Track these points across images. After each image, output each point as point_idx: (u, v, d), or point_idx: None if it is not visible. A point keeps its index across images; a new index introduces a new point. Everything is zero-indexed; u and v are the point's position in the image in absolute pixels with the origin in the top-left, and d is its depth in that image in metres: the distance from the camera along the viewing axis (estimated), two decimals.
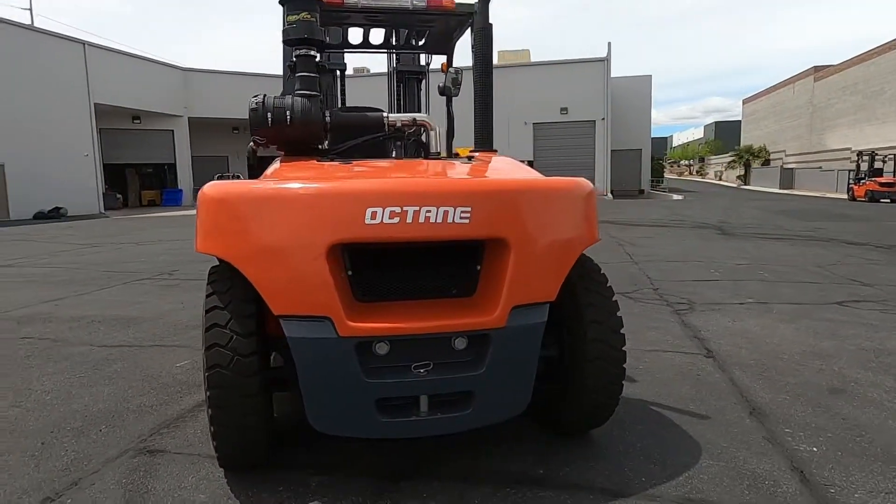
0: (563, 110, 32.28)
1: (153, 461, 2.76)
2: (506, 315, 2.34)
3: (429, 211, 2.23)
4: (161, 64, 30.50)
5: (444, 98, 3.77)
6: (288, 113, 2.78)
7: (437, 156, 3.12)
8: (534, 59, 34.95)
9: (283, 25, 2.84)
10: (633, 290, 6.75)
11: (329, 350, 2.23)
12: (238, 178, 2.84)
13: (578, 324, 2.65)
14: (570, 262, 2.47)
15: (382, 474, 2.60)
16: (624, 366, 2.71)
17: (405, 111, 5.19)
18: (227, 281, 2.42)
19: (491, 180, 2.53)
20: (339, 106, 4.93)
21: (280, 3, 2.79)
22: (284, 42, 2.84)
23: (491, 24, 3.25)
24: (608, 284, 2.76)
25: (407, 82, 5.20)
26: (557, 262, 2.45)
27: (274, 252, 2.24)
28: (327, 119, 2.91)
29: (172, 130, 31.24)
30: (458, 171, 2.90)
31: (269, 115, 2.76)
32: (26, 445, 2.96)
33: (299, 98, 2.81)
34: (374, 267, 2.52)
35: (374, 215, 2.20)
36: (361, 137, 3.04)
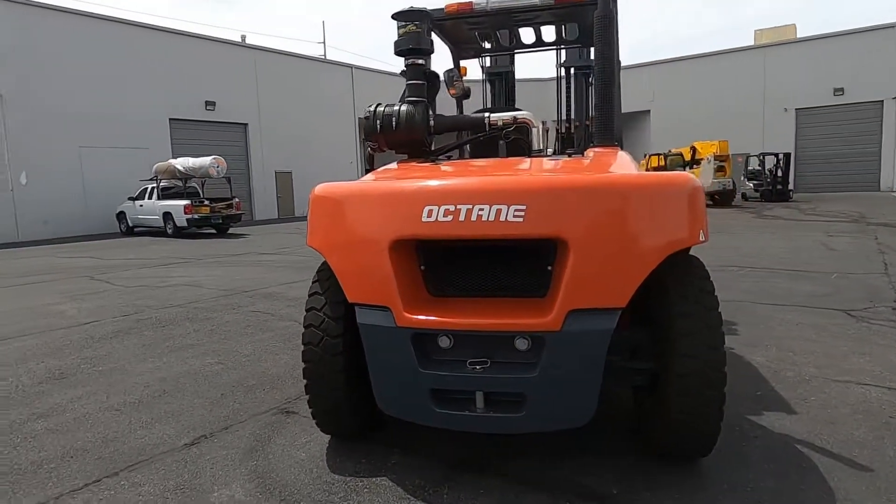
0: (838, 91, 27.22)
1: (284, 420, 3.27)
2: (561, 319, 2.23)
3: (482, 209, 2.25)
4: None
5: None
6: (394, 119, 3.02)
7: (539, 153, 3.05)
8: (800, 34, 30.07)
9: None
10: (865, 307, 5.50)
11: (388, 338, 2.41)
12: None
13: (669, 335, 2.37)
14: (647, 266, 2.23)
15: (453, 463, 2.68)
16: (724, 389, 2.34)
17: (574, 107, 5.10)
18: (328, 271, 2.75)
19: (549, 178, 2.40)
20: (504, 107, 5.07)
21: (392, 17, 3.04)
22: (395, 53, 3.09)
23: (612, 11, 3.03)
24: (712, 293, 2.41)
25: (575, 78, 5.10)
26: (630, 266, 2.23)
27: (349, 245, 2.50)
28: (431, 123, 3.08)
29: None
30: (535, 168, 2.80)
31: (378, 122, 3.04)
32: (211, 394, 3.76)
33: (405, 105, 3.04)
34: (450, 264, 2.61)
35: (430, 213, 2.30)
36: (463, 139, 3.14)
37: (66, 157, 19.92)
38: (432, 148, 3.23)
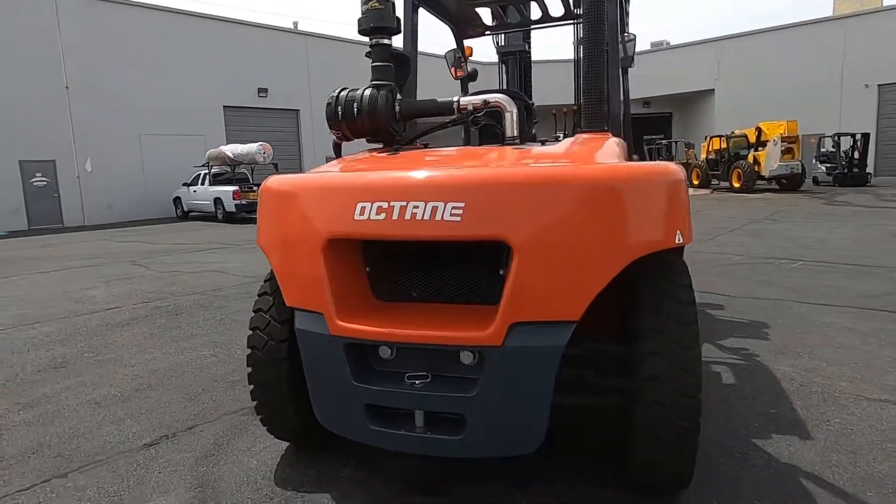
0: None
1: (250, 422, 3.14)
2: (503, 332, 1.95)
3: (416, 207, 2.00)
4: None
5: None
6: (355, 105, 2.78)
7: (513, 140, 2.73)
8: (887, 2, 27.47)
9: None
10: None
11: (322, 347, 2.20)
12: None
13: (636, 353, 2.06)
14: (605, 274, 1.92)
15: (408, 481, 2.47)
16: (699, 419, 2.01)
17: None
18: None
19: (490, 171, 2.09)
20: (521, 90, 4.73)
21: None
22: (359, 32, 2.84)
23: None
24: (691, 303, 2.06)
25: None
26: (584, 274, 1.93)
27: (286, 244, 2.30)
28: (397, 109, 2.82)
29: None
30: (491, 158, 2.49)
31: (339, 108, 2.81)
32: (192, 389, 3.69)
33: (368, 90, 2.80)
34: (398, 265, 2.38)
35: (362, 210, 2.07)
36: (430, 125, 2.87)
37: (128, 145, 20.79)
38: (403, 135, 2.97)
